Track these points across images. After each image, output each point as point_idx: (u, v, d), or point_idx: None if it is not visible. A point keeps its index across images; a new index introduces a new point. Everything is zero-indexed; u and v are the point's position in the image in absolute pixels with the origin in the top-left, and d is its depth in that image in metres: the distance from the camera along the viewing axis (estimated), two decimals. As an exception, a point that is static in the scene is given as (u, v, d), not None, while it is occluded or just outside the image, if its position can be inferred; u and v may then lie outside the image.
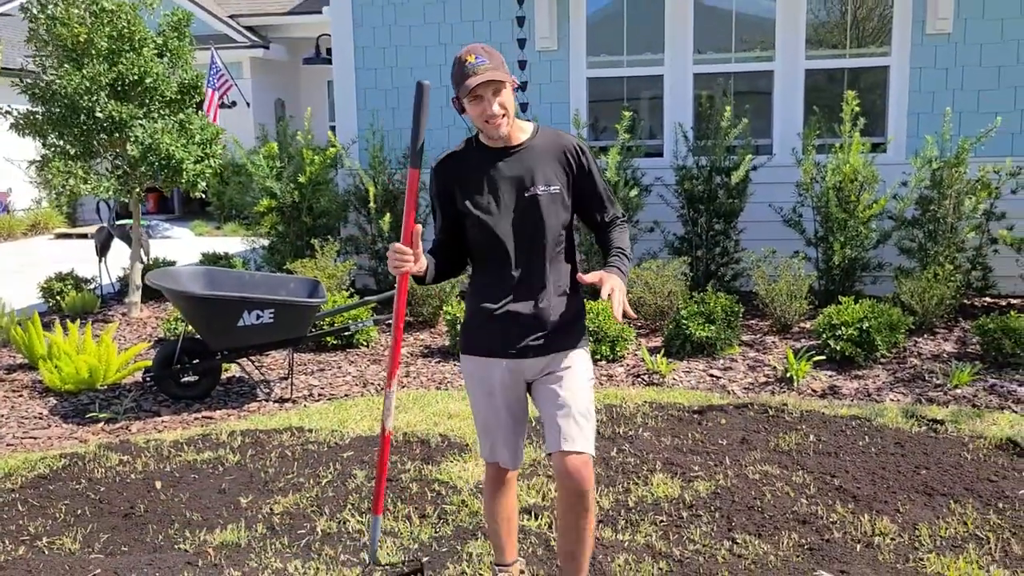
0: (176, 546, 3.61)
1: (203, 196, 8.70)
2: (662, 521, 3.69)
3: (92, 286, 8.46)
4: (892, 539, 3.49)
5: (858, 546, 3.44)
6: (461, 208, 2.72)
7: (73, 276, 8.36)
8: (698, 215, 7.45)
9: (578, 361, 2.77)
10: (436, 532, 3.66)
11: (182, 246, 12.69)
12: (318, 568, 3.37)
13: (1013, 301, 7.27)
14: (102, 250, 8.66)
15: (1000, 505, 3.76)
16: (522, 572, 3.08)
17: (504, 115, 2.62)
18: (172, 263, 8.74)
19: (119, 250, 9.35)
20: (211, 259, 8.72)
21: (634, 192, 7.28)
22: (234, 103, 14.97)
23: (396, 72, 8.58)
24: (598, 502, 3.83)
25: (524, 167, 2.70)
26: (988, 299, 7.44)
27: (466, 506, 3.87)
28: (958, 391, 5.34)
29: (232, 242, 12.07)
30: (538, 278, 2.72)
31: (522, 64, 8.26)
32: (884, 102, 7.91)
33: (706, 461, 4.32)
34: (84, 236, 14.49)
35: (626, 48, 8.31)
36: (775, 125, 8.04)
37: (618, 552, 3.42)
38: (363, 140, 8.46)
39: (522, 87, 2.76)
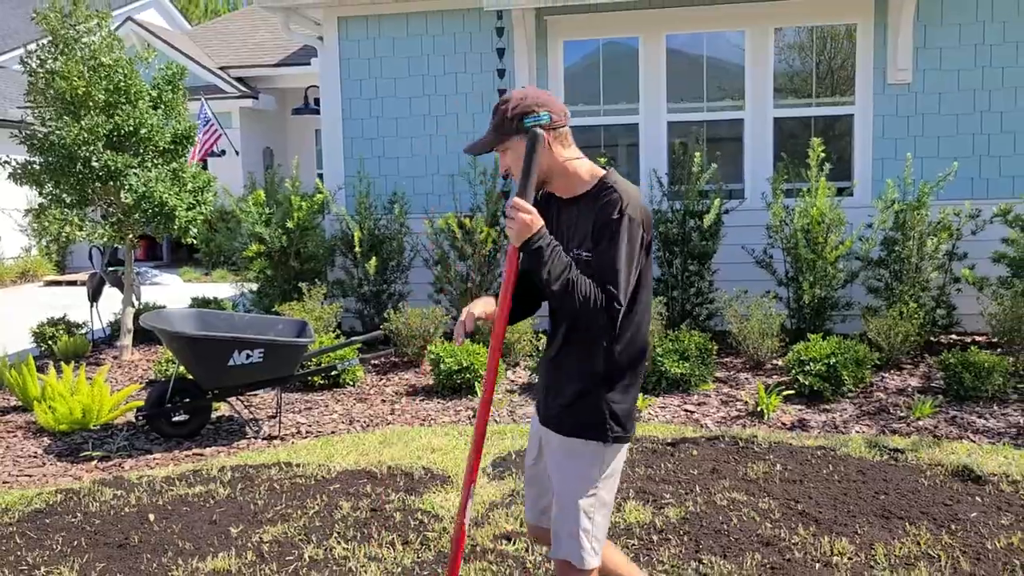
0: (169, 574, 3.77)
1: (192, 243, 8.92)
2: (633, 544, 3.89)
3: (83, 330, 8.64)
4: (849, 558, 3.70)
5: (817, 565, 3.65)
6: None
7: (65, 321, 8.54)
8: (673, 257, 7.73)
9: (570, 454, 2.49)
10: (418, 557, 3.84)
11: (171, 292, 12.87)
12: (306, 591, 3.54)
13: (977, 338, 7.55)
14: (94, 295, 8.85)
15: (953, 527, 3.98)
16: None
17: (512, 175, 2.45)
18: (162, 307, 8.93)
19: (110, 295, 9.54)
20: (201, 303, 8.92)
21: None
22: (223, 152, 15.27)
23: (381, 122, 8.89)
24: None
25: (568, 224, 2.48)
26: (954, 336, 7.72)
27: (447, 533, 4.06)
28: (920, 423, 5.58)
29: (220, 288, 12.28)
30: (560, 343, 2.52)
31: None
32: (850, 148, 8.27)
33: (677, 489, 4.53)
34: (74, 283, 14.63)
35: (602, 98, 8.67)
36: (746, 170, 8.38)
37: (591, 573, 3.61)
38: (350, 187, 8.73)
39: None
